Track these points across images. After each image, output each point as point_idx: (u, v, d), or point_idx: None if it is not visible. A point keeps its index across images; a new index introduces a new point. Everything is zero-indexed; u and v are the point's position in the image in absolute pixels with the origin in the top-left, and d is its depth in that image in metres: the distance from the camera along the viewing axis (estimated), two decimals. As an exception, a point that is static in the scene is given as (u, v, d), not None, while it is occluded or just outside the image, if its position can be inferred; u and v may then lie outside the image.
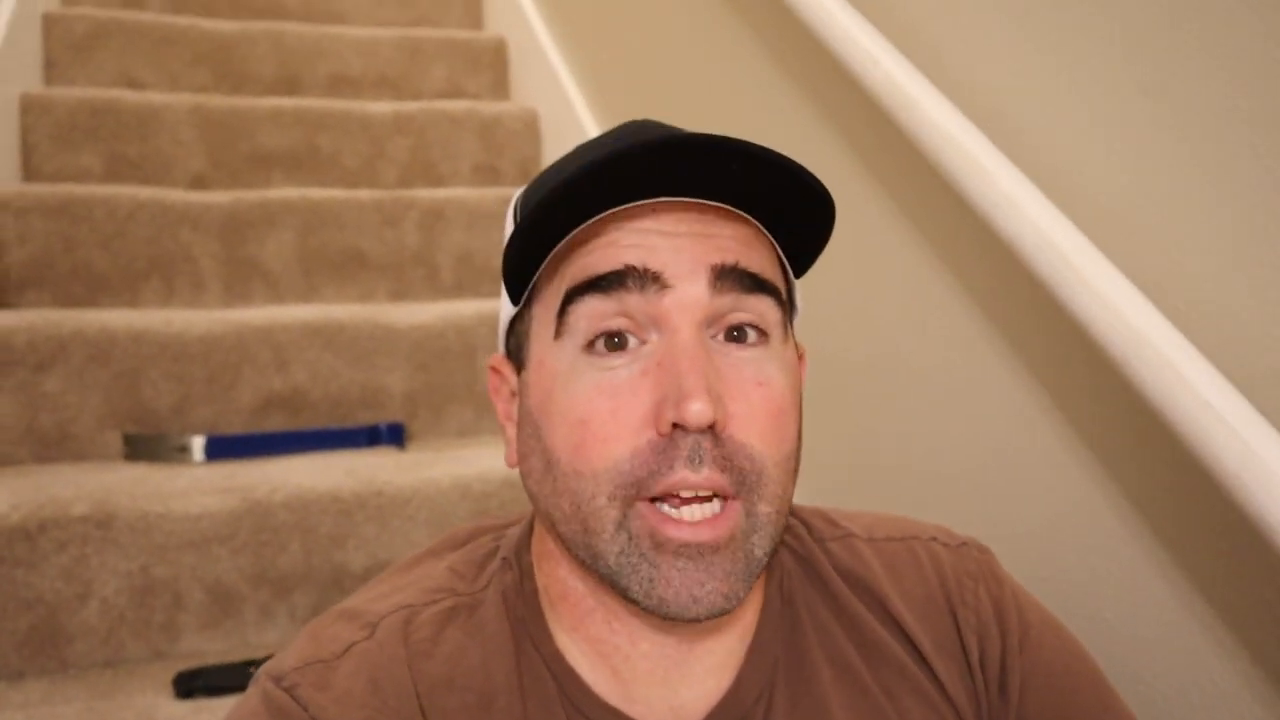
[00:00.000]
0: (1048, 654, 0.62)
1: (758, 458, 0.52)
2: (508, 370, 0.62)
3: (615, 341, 0.53)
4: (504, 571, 0.62)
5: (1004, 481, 0.97)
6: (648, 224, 0.54)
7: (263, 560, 1.30)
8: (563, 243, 0.55)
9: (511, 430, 0.61)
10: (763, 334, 0.55)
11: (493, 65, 2.42)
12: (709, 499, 0.52)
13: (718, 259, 0.53)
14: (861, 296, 1.18)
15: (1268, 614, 0.71)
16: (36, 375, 1.45)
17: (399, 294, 1.83)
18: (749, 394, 0.53)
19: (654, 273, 0.53)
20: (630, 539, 0.52)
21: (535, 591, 0.60)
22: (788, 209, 0.55)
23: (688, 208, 0.54)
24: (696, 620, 0.51)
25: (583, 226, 0.54)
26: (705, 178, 0.53)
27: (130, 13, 2.24)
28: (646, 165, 0.52)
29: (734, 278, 0.53)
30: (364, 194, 1.84)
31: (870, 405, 1.18)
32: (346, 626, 0.58)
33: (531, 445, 0.57)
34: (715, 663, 0.59)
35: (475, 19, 2.63)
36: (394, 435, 1.53)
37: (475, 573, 0.62)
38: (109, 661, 1.26)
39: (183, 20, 2.23)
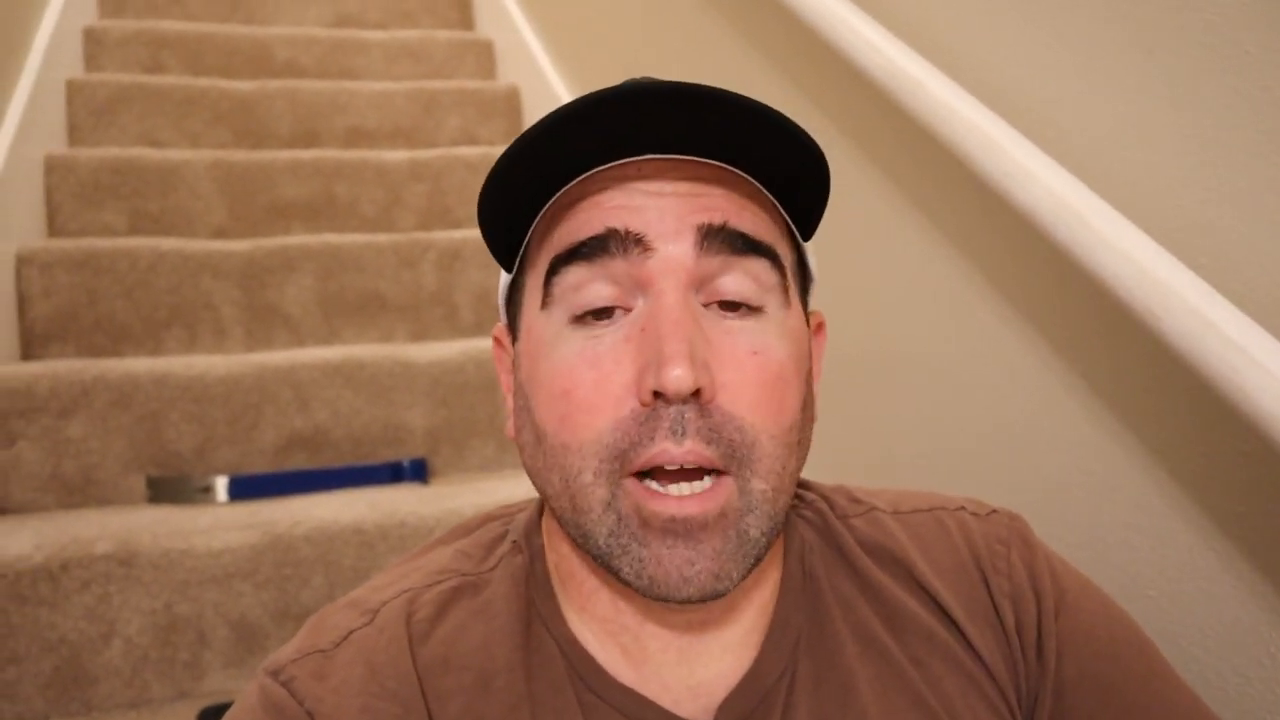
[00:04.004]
0: (1086, 618, 0.60)
1: (749, 430, 0.50)
2: (507, 340, 0.61)
3: (601, 310, 0.52)
4: (514, 554, 0.60)
5: (1031, 456, 0.94)
6: (635, 184, 0.52)
7: (286, 595, 1.28)
8: (549, 204, 0.54)
9: (511, 402, 0.60)
10: (757, 304, 0.52)
11: (506, 113, 2.45)
12: (699, 476, 0.50)
13: (704, 218, 0.51)
14: (877, 278, 1.17)
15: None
16: (59, 422, 1.46)
17: (418, 334, 1.83)
18: (742, 363, 0.50)
19: (636, 234, 0.51)
20: (619, 519, 0.50)
21: (546, 573, 0.59)
22: (783, 167, 0.53)
23: (678, 166, 0.52)
24: (689, 601, 0.49)
25: (567, 188, 0.53)
26: (697, 134, 0.51)
27: (152, 77, 2.28)
28: (625, 117, 0.50)
29: (722, 238, 0.51)
30: (382, 237, 1.86)
31: (889, 388, 1.16)
32: (347, 614, 0.57)
33: (524, 419, 0.55)
34: (733, 640, 0.57)
35: (488, 69, 2.67)
36: (417, 471, 1.52)
37: (483, 554, 0.61)
38: (133, 703, 1.24)
39: (202, 82, 2.27)
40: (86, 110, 2.18)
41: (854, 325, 1.21)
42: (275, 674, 0.54)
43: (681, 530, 0.49)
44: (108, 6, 2.62)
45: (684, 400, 0.48)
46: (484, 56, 2.70)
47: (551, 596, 0.58)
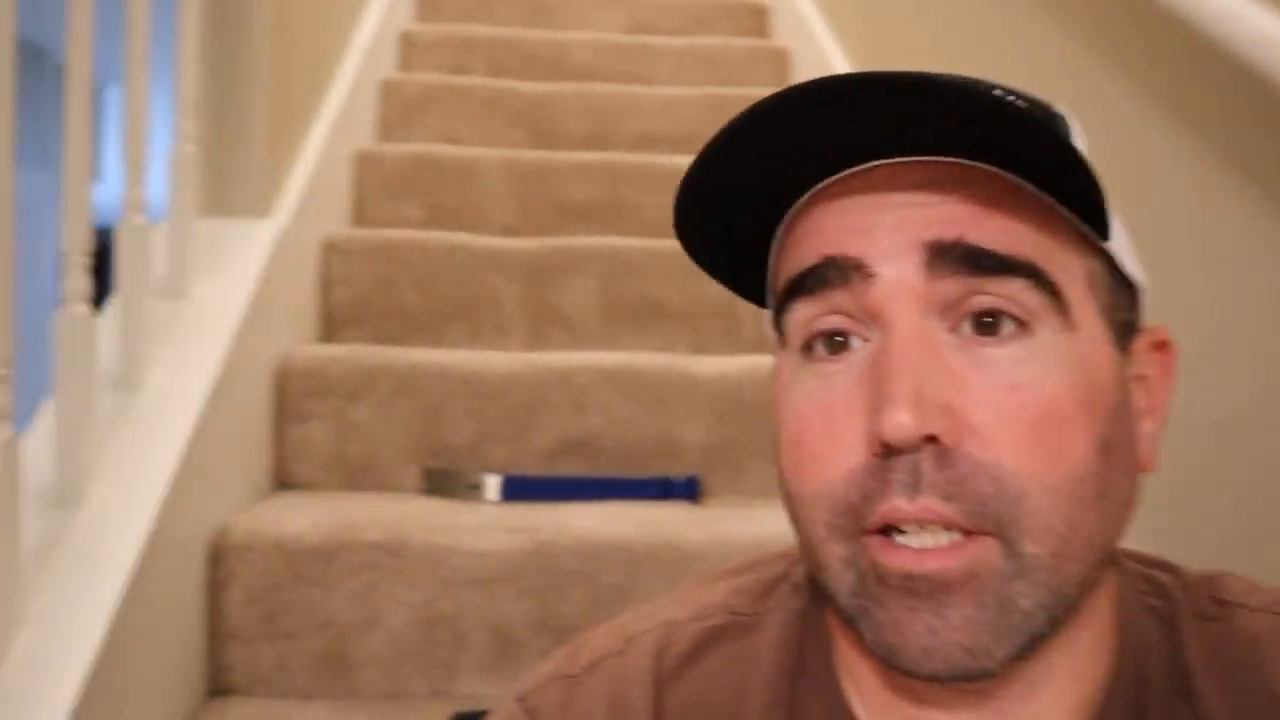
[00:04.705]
0: None
1: (1011, 480, 0.40)
2: None
3: (835, 341, 0.44)
4: (792, 597, 0.52)
5: None
6: (859, 197, 0.44)
7: (546, 606, 1.23)
8: (780, 227, 0.47)
9: None
10: (1022, 323, 0.42)
11: (799, 123, 2.35)
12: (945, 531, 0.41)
13: (933, 233, 0.42)
14: (1236, 302, 0.97)
15: None
16: (347, 404, 1.49)
17: (698, 346, 1.76)
18: (999, 399, 0.41)
19: (854, 260, 0.43)
20: (859, 577, 0.43)
21: (827, 626, 0.50)
22: (1046, 158, 0.42)
23: (910, 170, 0.43)
24: (936, 679, 0.41)
25: (791, 215, 0.46)
26: (930, 130, 0.42)
27: (457, 78, 2.36)
28: (842, 120, 0.41)
29: (957, 257, 0.42)
30: (666, 243, 1.80)
31: (1249, 435, 0.96)
32: (604, 639, 0.54)
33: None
34: None
35: (781, 78, 2.59)
36: (688, 489, 1.44)
37: (761, 593, 0.54)
38: (391, 693, 1.23)
39: (501, 83, 2.32)
40: (396, 108, 2.27)
41: (1212, 356, 1.01)
42: (523, 700, 0.53)
43: (923, 590, 0.41)
44: (424, 11, 2.74)
45: (916, 448, 0.40)
46: (779, 65, 2.62)
47: (827, 652, 0.50)
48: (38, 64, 3.55)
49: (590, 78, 2.50)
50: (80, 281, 1.07)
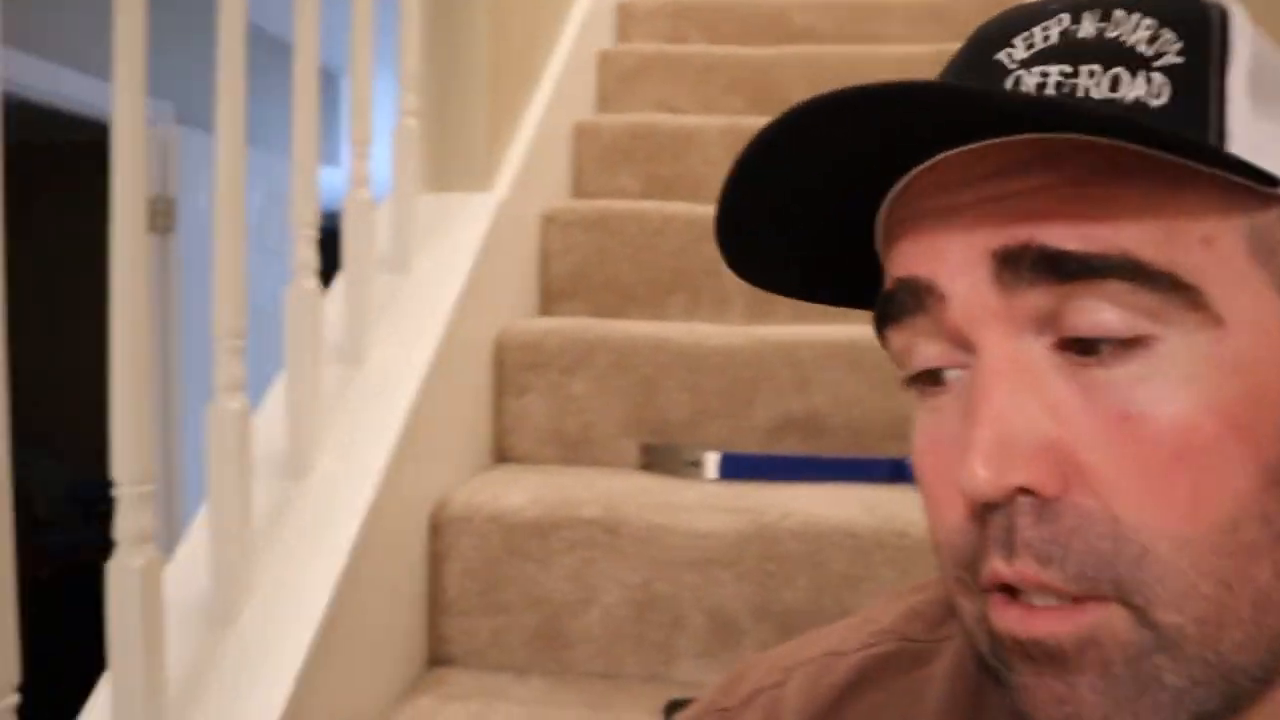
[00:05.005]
0: None
1: (1129, 536, 0.32)
2: None
3: (934, 376, 0.37)
4: None
5: None
6: (926, 201, 0.36)
7: (767, 591, 1.16)
8: (877, 225, 0.40)
9: None
10: (1128, 339, 0.33)
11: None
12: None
13: (1000, 240, 0.34)
14: None
15: None
16: (564, 378, 1.47)
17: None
18: (1110, 434, 0.33)
19: (925, 282, 0.36)
20: (989, 636, 0.36)
21: None
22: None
23: (980, 158, 0.34)
24: None
25: (882, 212, 0.40)
26: (994, 112, 0.33)
27: (674, 46, 2.31)
28: (890, 117, 0.33)
29: (1031, 265, 0.33)
30: (894, 209, 1.69)
31: None
32: (764, 670, 0.50)
33: None
34: None
35: (1022, 31, 2.40)
36: (917, 471, 1.34)
37: (940, 617, 0.47)
38: (605, 673, 1.20)
39: (720, 49, 2.26)
40: (613, 79, 2.25)
41: None
42: None
43: (1039, 657, 0.34)
44: (641, -19, 2.71)
45: (1009, 501, 0.33)
46: (1017, 16, 2.43)
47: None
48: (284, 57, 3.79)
49: (814, 40, 2.40)
50: (307, 252, 1.09)
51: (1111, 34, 0.35)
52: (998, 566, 0.34)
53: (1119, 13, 0.35)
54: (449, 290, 1.36)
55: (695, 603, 1.18)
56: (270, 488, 1.06)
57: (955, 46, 0.39)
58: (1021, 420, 0.33)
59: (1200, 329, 0.33)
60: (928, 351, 0.37)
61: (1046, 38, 0.36)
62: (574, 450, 1.46)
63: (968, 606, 0.37)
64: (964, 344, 0.36)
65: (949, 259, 0.35)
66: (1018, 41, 0.37)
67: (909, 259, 0.37)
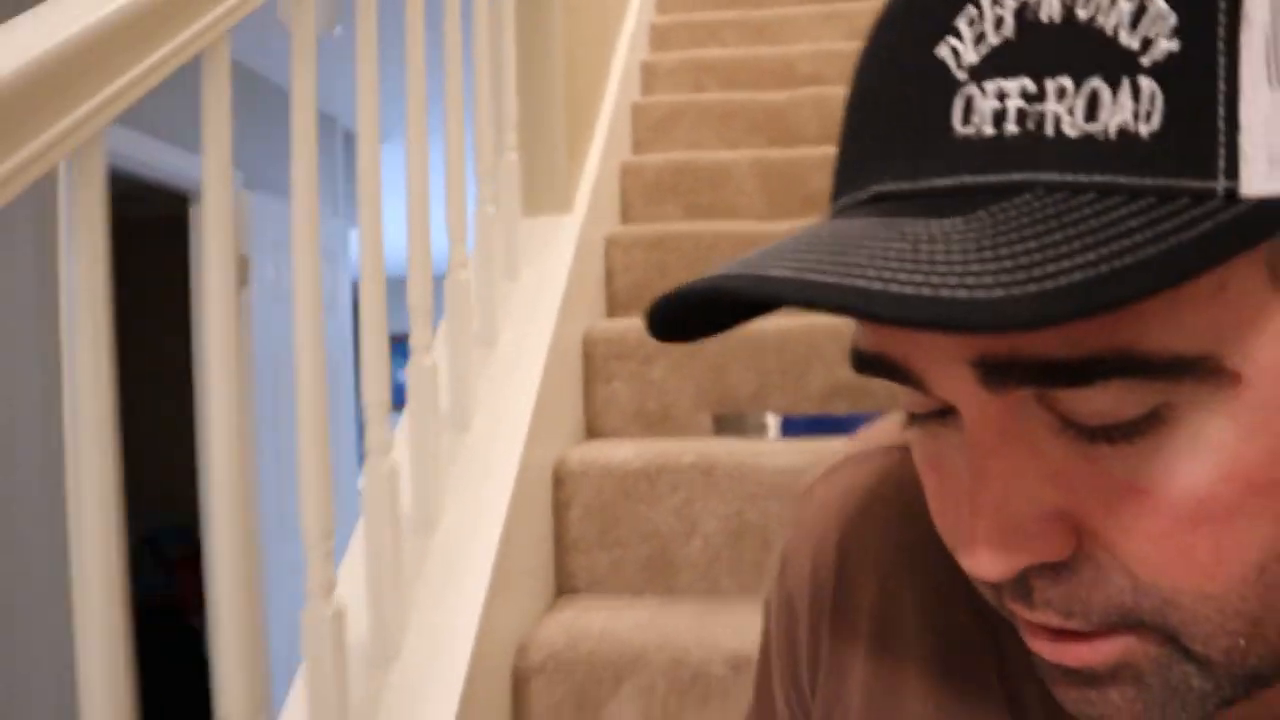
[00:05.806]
0: None
1: (1152, 591, 0.31)
2: None
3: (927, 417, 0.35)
4: None
5: None
6: None
7: (837, 514, 1.43)
8: None
9: None
10: (1135, 423, 0.29)
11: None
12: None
13: (976, 350, 0.30)
14: None
15: None
16: (644, 367, 1.75)
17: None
18: (1119, 504, 0.30)
19: (900, 367, 0.32)
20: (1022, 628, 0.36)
21: None
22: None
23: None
24: None
25: None
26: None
27: (697, 95, 2.62)
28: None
29: (1019, 375, 0.29)
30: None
31: None
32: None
33: None
34: None
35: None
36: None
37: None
38: (707, 592, 1.46)
39: (739, 96, 2.57)
40: (645, 126, 2.56)
41: None
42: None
43: (1073, 674, 0.34)
44: (657, 44, 3.04)
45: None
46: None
47: None
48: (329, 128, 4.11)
49: (820, 83, 2.72)
50: (461, 273, 1.38)
51: (1083, 13, 0.28)
52: (1020, 610, 0.33)
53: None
54: (553, 293, 1.65)
55: (781, 527, 1.45)
56: (445, 439, 1.34)
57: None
58: (1022, 498, 0.31)
59: (1215, 393, 0.29)
60: (912, 400, 0.34)
61: (999, 20, 0.29)
62: (656, 426, 1.74)
63: (991, 595, 0.36)
64: (952, 410, 0.33)
65: (926, 354, 0.31)
66: (962, 26, 0.29)
67: (877, 334, 0.33)
